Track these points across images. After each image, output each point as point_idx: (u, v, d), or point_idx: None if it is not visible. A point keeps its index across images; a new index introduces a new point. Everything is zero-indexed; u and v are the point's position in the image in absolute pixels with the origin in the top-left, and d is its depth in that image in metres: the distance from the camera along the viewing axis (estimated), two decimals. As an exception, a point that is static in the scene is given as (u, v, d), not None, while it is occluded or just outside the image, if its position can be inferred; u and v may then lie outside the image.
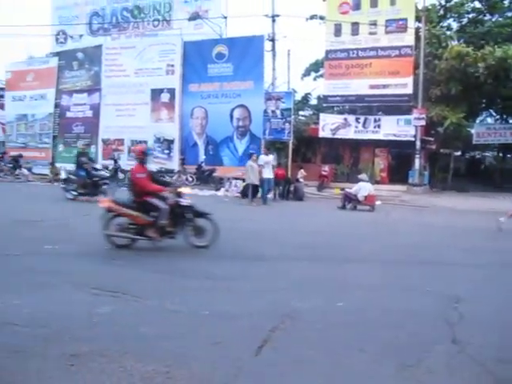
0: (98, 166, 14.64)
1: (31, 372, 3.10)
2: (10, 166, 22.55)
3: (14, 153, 23.54)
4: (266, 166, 14.80)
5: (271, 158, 15.43)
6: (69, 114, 23.51)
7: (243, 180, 18.03)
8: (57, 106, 23.82)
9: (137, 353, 3.43)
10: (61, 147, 23.79)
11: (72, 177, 13.61)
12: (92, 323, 4.09)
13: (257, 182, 14.53)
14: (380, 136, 19.20)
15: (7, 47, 45.43)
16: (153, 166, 19.91)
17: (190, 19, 21.68)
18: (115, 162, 20.71)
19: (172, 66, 20.93)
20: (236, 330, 3.91)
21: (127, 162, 21.02)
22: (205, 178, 19.28)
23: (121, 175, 20.13)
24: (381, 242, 8.53)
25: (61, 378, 3.06)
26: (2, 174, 22.43)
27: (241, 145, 19.72)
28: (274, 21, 20.89)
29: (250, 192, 14.51)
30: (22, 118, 24.83)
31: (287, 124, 18.89)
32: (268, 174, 14.78)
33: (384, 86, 19.05)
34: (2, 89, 25.97)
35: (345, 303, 4.65)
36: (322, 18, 21.75)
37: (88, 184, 13.14)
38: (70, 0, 24.65)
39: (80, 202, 12.95)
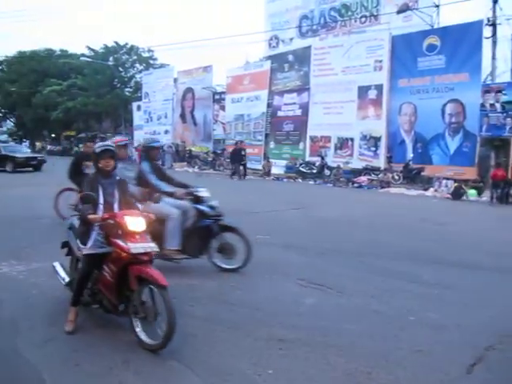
0: None
1: (244, 348, 3.65)
2: (228, 161, 26.96)
3: (230, 149, 27.87)
4: None
5: None
6: (280, 113, 26.69)
7: (454, 180, 18.14)
8: (269, 105, 27.29)
9: (340, 348, 3.78)
10: (272, 144, 27.20)
11: None
12: (298, 312, 4.63)
13: None
14: None
15: (228, 55, 53.10)
16: (358, 164, 21.56)
17: (398, 12, 22.38)
18: (322, 158, 22.92)
19: (380, 61, 21.91)
20: (444, 341, 3.94)
21: (333, 159, 23.00)
22: (412, 177, 19.86)
23: (327, 172, 22.22)
24: None
25: (270, 359, 3.55)
26: (221, 168, 27.02)
27: (452, 142, 19.63)
28: (495, 2, 20.03)
29: None
30: (239, 118, 29.14)
31: (509, 119, 18.15)
32: None
33: None
34: (223, 92, 30.76)
35: None
36: (560, -10, 19.88)
37: None
38: (281, 7, 27.89)
39: None
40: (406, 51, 21.19)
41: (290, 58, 26.40)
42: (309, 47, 25.31)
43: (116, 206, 4.15)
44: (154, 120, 36.86)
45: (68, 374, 3.47)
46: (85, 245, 4.09)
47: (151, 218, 4.11)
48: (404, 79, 21.29)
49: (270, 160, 25.62)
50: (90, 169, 8.31)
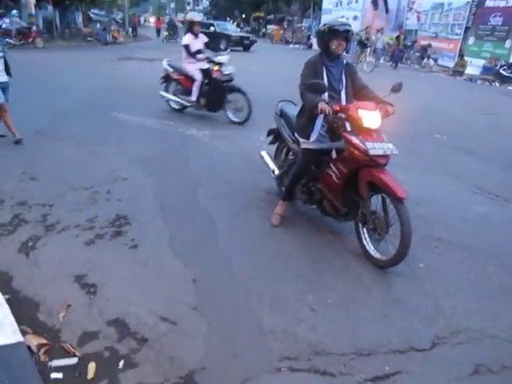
0: None
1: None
2: (418, 54, 24.84)
3: (423, 42, 25.53)
4: None
5: None
6: (488, 3, 23.02)
7: None
8: (477, -6, 23.60)
9: (502, 261, 3.75)
10: (471, 40, 24.02)
11: None
12: (464, 217, 4.60)
13: None
14: None
15: None
16: None
17: None
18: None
19: None
20: None
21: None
22: None
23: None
24: None
25: (424, 254, 3.72)
26: (409, 61, 25.11)
27: None
28: None
29: None
30: (437, 7, 26.02)
31: None
32: None
33: None
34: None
35: None
36: None
37: None
38: None
39: None
40: None
41: None
42: None
43: (343, 94, 3.66)
44: (343, 4, 35.05)
45: (238, 227, 4.16)
46: (306, 138, 3.76)
47: (389, 111, 3.53)
48: None
49: (466, 58, 22.81)
50: None
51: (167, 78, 8.18)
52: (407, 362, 2.61)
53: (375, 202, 3.51)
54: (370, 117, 3.30)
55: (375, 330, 2.86)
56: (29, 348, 2.43)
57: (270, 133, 4.68)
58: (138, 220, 4.05)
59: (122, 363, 2.43)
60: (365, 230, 3.64)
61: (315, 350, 2.63)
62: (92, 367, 2.38)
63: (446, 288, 3.38)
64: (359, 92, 3.74)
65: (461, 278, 3.52)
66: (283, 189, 4.32)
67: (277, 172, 4.50)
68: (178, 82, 8.03)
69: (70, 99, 8.95)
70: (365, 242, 3.64)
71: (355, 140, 3.32)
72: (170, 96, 8.23)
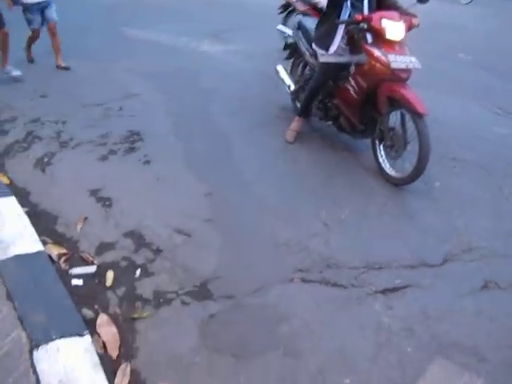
0: None
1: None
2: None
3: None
4: None
5: None
6: None
7: None
8: None
9: None
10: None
11: None
12: (484, 137, 4.53)
13: None
14: None
15: None
16: None
17: None
18: None
19: None
20: None
21: None
22: None
23: None
24: None
25: (440, 173, 3.75)
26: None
27: None
28: None
29: None
30: None
31: None
32: None
33: None
34: None
35: None
36: None
37: None
38: None
39: None
40: None
41: None
42: None
43: (366, 3, 3.43)
44: None
45: (252, 143, 4.12)
46: (325, 49, 3.58)
47: (414, 23, 3.34)
48: None
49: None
50: None
51: (288, 8, 6.32)
52: (418, 277, 2.67)
53: (394, 118, 3.44)
54: (393, 28, 3.16)
55: (387, 245, 2.90)
56: (49, 257, 2.52)
57: (286, 47, 4.50)
58: (151, 136, 4.03)
59: (138, 272, 2.52)
60: (381, 147, 3.61)
61: (327, 263, 2.69)
62: (110, 275, 2.49)
63: (460, 206, 3.39)
64: (383, 2, 3.52)
65: (476, 197, 3.52)
66: (298, 105, 4.26)
67: (292, 87, 4.39)
68: (304, 14, 6.03)
69: (79, 16, 8.56)
70: (381, 159, 3.62)
71: (377, 52, 3.19)
72: (291, 32, 6.73)
